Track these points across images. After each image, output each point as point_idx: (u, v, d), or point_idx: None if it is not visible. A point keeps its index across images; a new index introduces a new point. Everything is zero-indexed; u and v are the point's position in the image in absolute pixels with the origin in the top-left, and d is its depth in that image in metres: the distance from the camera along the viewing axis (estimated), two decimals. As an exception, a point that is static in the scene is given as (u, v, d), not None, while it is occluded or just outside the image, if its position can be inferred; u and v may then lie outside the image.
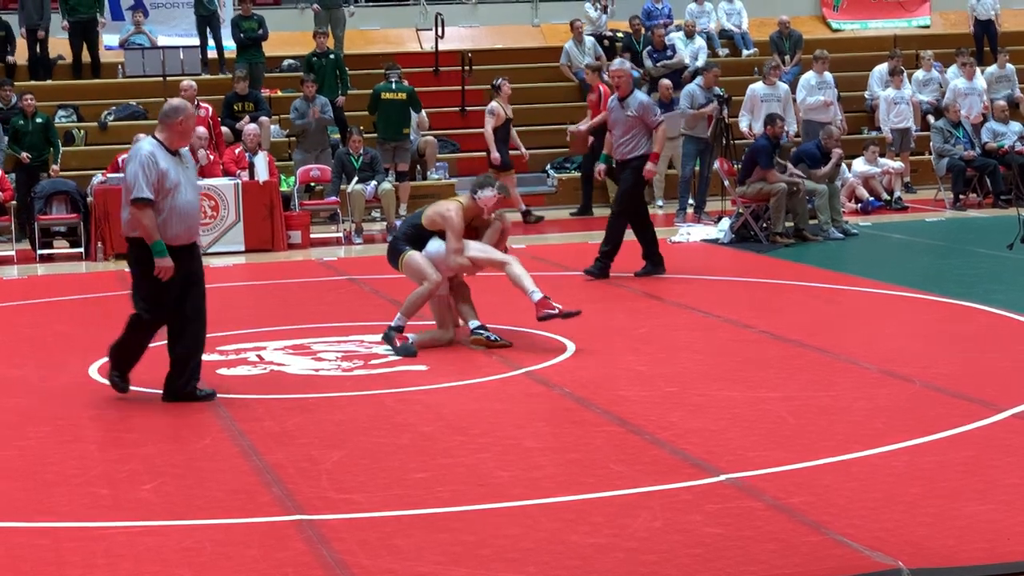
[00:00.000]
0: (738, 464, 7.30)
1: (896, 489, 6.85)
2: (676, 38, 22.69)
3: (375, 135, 19.36)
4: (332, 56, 21.02)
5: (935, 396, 8.77)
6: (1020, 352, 10.04)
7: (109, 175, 17.30)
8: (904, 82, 21.05)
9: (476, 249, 10.69)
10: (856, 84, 22.63)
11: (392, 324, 10.70)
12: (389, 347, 10.59)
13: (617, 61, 14.20)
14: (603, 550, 6.11)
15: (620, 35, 23.72)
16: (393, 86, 19.30)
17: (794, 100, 19.58)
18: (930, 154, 20.19)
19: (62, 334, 12.02)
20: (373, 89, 19.56)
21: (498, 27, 25.42)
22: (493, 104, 18.92)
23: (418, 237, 10.75)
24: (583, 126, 19.57)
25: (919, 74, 22.20)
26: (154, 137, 9.12)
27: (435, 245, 10.70)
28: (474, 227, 10.85)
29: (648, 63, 22.27)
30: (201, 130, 17.82)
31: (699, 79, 19.25)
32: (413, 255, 10.68)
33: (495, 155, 18.63)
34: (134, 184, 8.95)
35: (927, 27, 26.50)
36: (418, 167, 20.45)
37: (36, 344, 11.59)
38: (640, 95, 14.21)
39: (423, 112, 20.03)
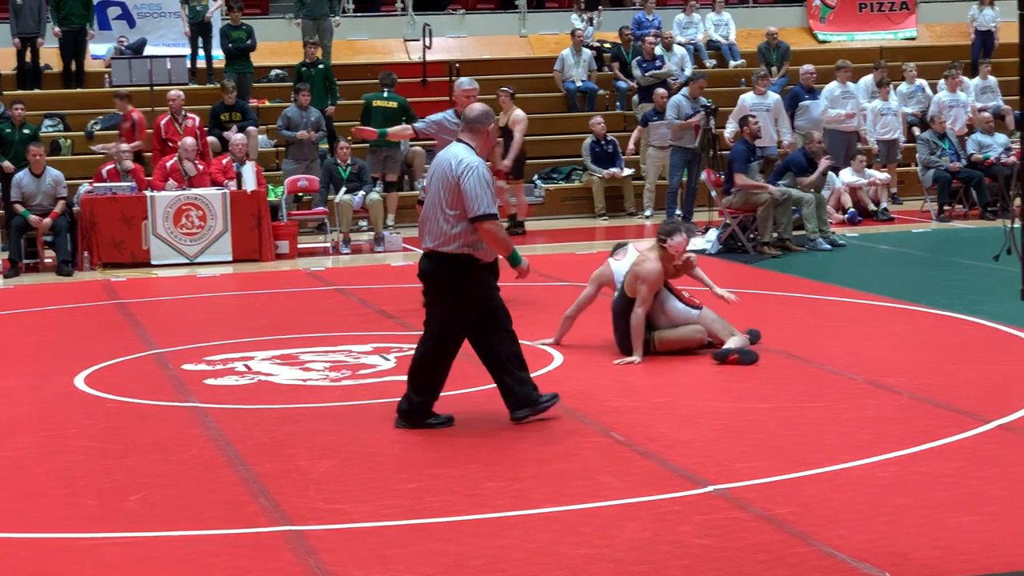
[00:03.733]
0: (726, 475, 7.31)
1: (883, 500, 6.86)
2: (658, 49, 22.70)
3: (365, 144, 19.23)
4: (321, 66, 21.00)
5: (921, 407, 8.79)
6: (1006, 363, 10.07)
7: (96, 184, 17.28)
8: (891, 94, 21.10)
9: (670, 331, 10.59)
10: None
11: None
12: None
13: (466, 80, 12.38)
14: (592, 560, 6.12)
15: (608, 46, 23.77)
16: (385, 94, 19.33)
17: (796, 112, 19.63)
18: (916, 165, 20.24)
19: (48, 344, 11.99)
20: (364, 99, 19.56)
21: (485, 37, 25.43)
22: (519, 112, 17.37)
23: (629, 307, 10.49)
24: (125, 146, 18.37)
25: (903, 87, 22.25)
26: (465, 144, 8.36)
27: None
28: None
29: (637, 73, 22.32)
30: (189, 140, 17.81)
31: (685, 90, 19.28)
32: (663, 334, 10.53)
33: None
34: (479, 201, 8.12)
35: (913, 39, 26.59)
36: (405, 177, 20.46)
37: (22, 354, 11.56)
38: None
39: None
